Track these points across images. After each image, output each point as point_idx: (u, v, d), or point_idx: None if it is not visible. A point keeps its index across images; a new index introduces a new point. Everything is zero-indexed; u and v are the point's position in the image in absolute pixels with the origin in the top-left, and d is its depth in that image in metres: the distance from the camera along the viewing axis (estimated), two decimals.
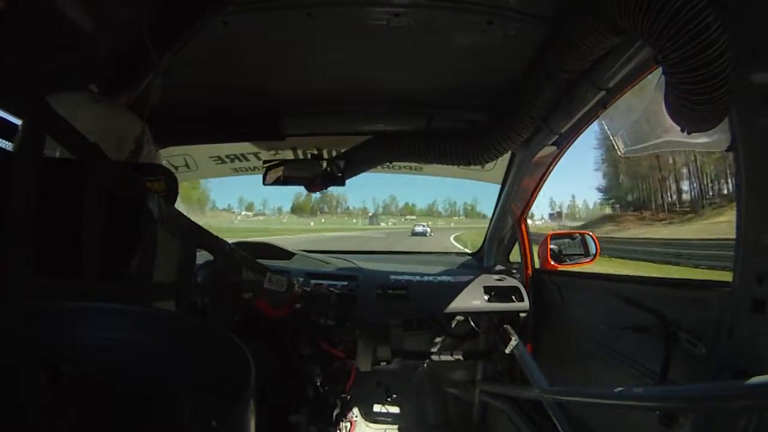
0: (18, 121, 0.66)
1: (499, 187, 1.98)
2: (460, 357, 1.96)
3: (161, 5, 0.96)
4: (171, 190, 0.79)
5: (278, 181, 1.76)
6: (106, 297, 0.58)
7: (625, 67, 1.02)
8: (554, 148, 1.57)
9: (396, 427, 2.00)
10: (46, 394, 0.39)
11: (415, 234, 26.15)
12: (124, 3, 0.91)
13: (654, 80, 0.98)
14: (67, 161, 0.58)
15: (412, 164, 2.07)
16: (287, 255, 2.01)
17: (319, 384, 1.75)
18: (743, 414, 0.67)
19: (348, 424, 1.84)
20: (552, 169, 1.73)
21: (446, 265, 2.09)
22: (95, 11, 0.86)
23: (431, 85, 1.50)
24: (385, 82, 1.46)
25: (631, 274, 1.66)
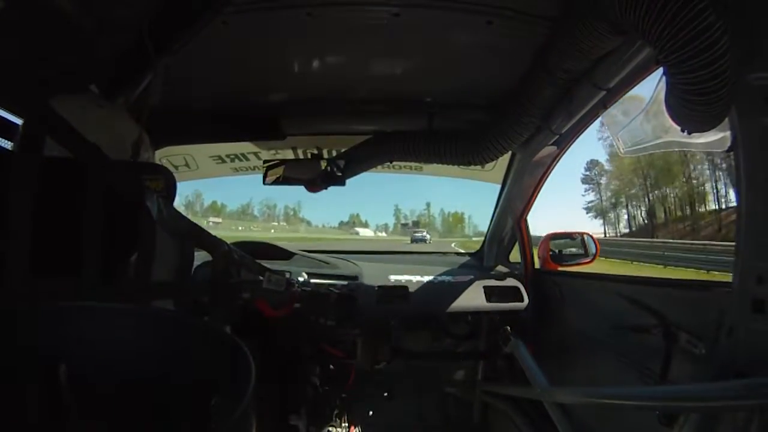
0: (18, 121, 0.66)
1: (498, 187, 1.98)
2: (460, 357, 1.96)
3: (161, 5, 0.96)
4: (169, 190, 0.79)
5: (278, 181, 1.76)
6: (105, 297, 0.58)
7: (626, 67, 1.02)
8: (554, 148, 1.57)
9: (396, 427, 2.00)
10: (45, 393, 0.39)
11: (414, 241, 26.27)
12: (124, 3, 0.91)
13: (654, 80, 0.98)
14: (67, 161, 0.58)
15: (412, 164, 2.07)
16: (287, 255, 2.01)
17: (318, 384, 1.75)
18: (743, 414, 0.67)
19: (347, 425, 1.84)
20: (552, 169, 1.73)
21: (446, 265, 2.09)
22: (95, 11, 0.86)
23: (431, 85, 1.50)
24: (385, 81, 1.46)
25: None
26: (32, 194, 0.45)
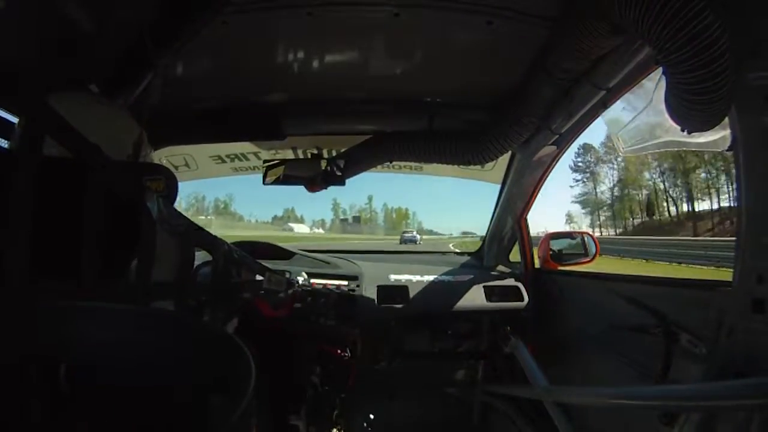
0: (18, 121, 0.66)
1: (498, 186, 1.98)
2: (461, 357, 1.96)
3: (161, 5, 0.96)
4: (171, 190, 0.79)
5: (278, 181, 1.77)
6: (105, 297, 0.58)
7: (626, 67, 1.02)
8: (554, 147, 1.57)
9: (396, 427, 2.00)
10: (45, 393, 0.39)
11: (404, 242, 22.85)
12: (124, 3, 0.91)
13: (654, 80, 0.98)
14: (67, 161, 0.58)
15: (412, 164, 2.07)
16: (287, 255, 2.01)
17: (318, 384, 1.75)
18: (743, 414, 0.67)
19: (347, 425, 1.84)
20: (552, 169, 1.73)
21: (446, 264, 2.09)
22: (95, 11, 0.86)
23: (431, 85, 1.50)
24: (385, 81, 1.46)
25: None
26: (32, 194, 0.45)
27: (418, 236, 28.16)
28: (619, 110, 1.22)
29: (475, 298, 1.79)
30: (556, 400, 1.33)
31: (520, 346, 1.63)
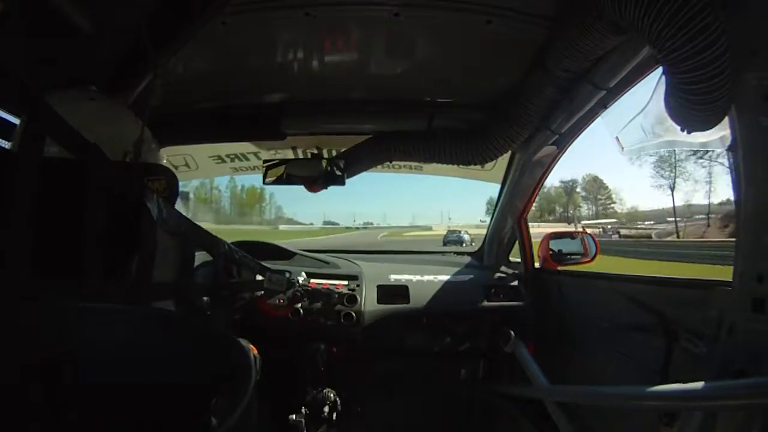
0: (18, 122, 0.66)
1: (499, 186, 1.98)
2: (461, 356, 1.96)
3: (161, 6, 0.96)
4: (172, 190, 0.79)
5: (279, 181, 1.77)
6: (106, 297, 0.58)
7: (626, 66, 1.02)
8: (554, 147, 1.57)
9: (396, 426, 2.00)
10: (46, 393, 0.39)
11: (448, 243, 17.40)
12: (124, 3, 0.91)
13: (654, 80, 0.98)
14: (67, 161, 0.58)
15: (412, 163, 2.07)
16: (287, 255, 2.01)
17: (318, 384, 1.75)
18: (743, 413, 0.67)
19: (347, 425, 1.84)
20: (552, 169, 1.73)
21: (446, 264, 2.09)
22: (95, 12, 0.86)
23: (431, 85, 1.50)
24: (384, 81, 1.46)
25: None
26: (33, 195, 0.45)
27: (467, 236, 20.14)
28: (618, 110, 1.22)
29: (475, 297, 1.79)
30: (556, 400, 1.33)
31: (520, 346, 1.63)
